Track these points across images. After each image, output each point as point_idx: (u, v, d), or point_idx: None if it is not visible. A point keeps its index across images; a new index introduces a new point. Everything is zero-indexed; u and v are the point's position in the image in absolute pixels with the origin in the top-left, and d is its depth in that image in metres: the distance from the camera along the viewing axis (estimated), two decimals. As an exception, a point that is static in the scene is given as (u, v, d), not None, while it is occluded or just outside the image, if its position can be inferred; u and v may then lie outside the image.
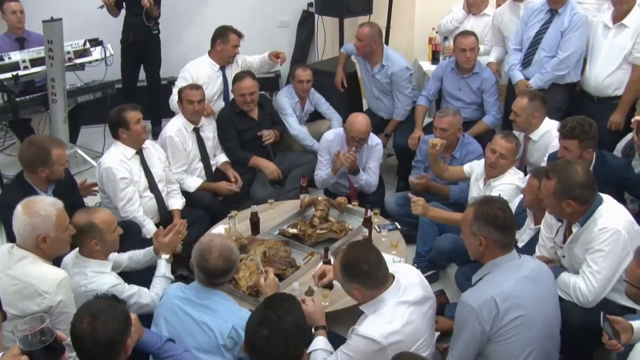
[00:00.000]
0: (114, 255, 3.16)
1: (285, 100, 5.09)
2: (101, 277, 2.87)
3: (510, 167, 3.73)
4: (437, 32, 5.67)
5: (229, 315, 2.59)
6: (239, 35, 4.88)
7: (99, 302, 2.13)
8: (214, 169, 4.68)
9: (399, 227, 3.84)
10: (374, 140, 4.44)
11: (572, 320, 2.82)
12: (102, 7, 5.38)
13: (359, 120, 4.25)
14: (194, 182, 4.46)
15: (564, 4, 4.44)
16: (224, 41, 4.83)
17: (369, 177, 4.43)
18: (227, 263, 2.65)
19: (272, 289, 2.87)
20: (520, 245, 3.43)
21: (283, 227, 3.83)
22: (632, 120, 3.45)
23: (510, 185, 3.69)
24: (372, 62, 5.02)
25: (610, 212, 2.88)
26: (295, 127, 5.05)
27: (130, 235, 3.51)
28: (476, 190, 3.86)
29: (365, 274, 2.40)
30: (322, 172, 4.47)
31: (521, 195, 3.49)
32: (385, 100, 5.10)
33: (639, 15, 4.25)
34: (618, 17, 4.29)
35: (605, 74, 4.34)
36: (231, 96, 4.90)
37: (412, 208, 3.67)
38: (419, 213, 3.68)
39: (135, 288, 2.94)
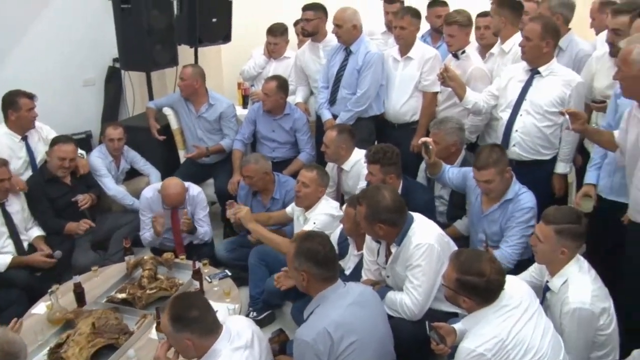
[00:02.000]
0: None
1: (98, 160, 4.87)
2: None
3: (316, 195, 3.86)
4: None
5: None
6: (30, 96, 4.50)
7: None
8: (26, 244, 4.27)
9: (229, 273, 3.81)
10: (195, 189, 4.39)
11: (404, 335, 2.96)
12: None
13: (172, 189, 4.24)
14: (3, 260, 4.02)
15: (351, 43, 4.72)
16: (15, 109, 4.46)
17: (202, 228, 4.39)
18: (6, 357, 2.38)
19: None
20: (347, 272, 3.56)
21: (111, 293, 3.63)
22: (419, 141, 3.73)
23: (324, 214, 3.82)
24: (196, 103, 5.03)
25: (422, 229, 3.09)
26: (112, 188, 4.84)
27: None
28: (299, 227, 3.94)
29: (195, 320, 2.34)
30: (147, 232, 4.34)
31: (342, 225, 3.61)
32: (210, 142, 5.08)
33: (422, 48, 4.63)
34: (403, 51, 4.63)
35: (401, 103, 4.65)
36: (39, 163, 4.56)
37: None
38: (240, 217, 3.76)
39: None
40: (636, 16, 3.29)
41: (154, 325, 3.16)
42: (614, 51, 3.55)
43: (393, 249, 3.13)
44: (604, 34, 3.90)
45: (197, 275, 3.57)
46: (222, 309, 3.19)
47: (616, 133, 3.13)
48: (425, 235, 3.06)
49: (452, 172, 3.87)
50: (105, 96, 6.32)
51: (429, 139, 3.70)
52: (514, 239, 3.44)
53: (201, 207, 4.44)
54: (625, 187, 3.17)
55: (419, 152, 3.93)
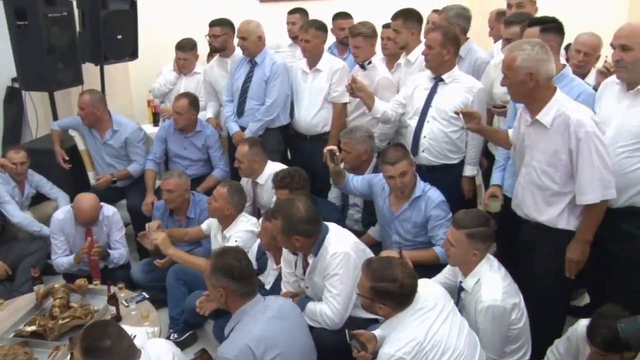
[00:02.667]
0: None
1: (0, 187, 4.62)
2: None
3: (222, 212, 3.83)
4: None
5: None
6: None
7: None
8: None
9: (146, 296, 3.71)
10: (109, 210, 4.27)
11: (326, 344, 2.98)
12: None
13: (85, 203, 4.12)
14: None
15: (256, 54, 4.76)
16: None
17: (118, 250, 4.27)
18: None
19: None
20: (268, 287, 3.55)
21: (19, 327, 3.43)
22: (325, 150, 3.78)
23: (244, 232, 3.80)
24: (100, 130, 4.88)
25: (337, 238, 3.13)
26: (17, 215, 4.60)
27: None
28: (217, 245, 3.90)
29: (108, 351, 2.23)
30: (62, 258, 4.16)
31: (259, 240, 3.60)
32: (120, 167, 4.96)
33: (329, 59, 4.71)
34: (311, 63, 4.69)
35: (312, 114, 4.71)
36: None
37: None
38: (158, 244, 3.72)
39: None
40: (525, 26, 3.45)
41: (68, 357, 3.03)
42: None
43: (310, 260, 3.16)
44: (501, 42, 4.10)
45: (112, 300, 3.46)
46: (140, 333, 3.10)
47: (510, 132, 3.30)
48: (341, 244, 3.10)
49: (357, 181, 3.92)
50: (5, 118, 6.02)
51: (334, 147, 3.75)
52: (443, 235, 3.46)
53: (117, 228, 4.32)
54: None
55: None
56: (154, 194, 4.78)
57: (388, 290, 2.58)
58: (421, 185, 3.65)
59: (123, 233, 4.38)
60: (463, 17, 4.49)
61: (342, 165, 4.00)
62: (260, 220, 3.57)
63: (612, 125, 3.04)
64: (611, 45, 3.02)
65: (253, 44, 4.72)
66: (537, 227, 3.05)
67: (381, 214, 3.80)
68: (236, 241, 3.69)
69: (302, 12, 5.65)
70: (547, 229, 2.99)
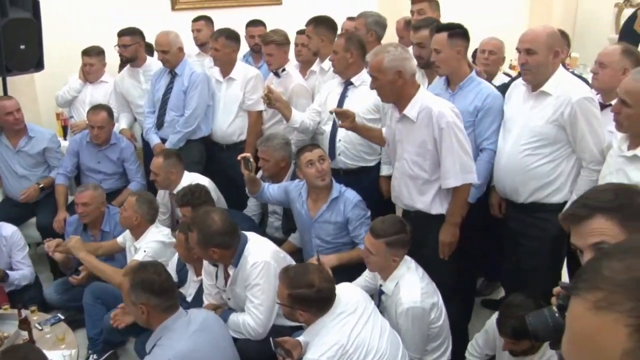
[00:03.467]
0: None
1: None
2: None
3: (131, 222, 3.79)
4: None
5: None
6: None
7: None
8: None
9: (62, 317, 3.58)
10: (7, 229, 4.08)
11: (251, 355, 2.99)
12: None
13: None
14: None
15: (177, 65, 4.70)
16: None
17: (20, 271, 4.07)
18: None
19: None
20: (189, 299, 3.50)
21: None
22: (239, 157, 3.77)
23: (154, 242, 3.74)
24: (12, 137, 4.65)
25: (257, 248, 3.14)
26: None
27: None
28: (131, 258, 3.81)
29: None
30: None
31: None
32: (34, 178, 4.73)
33: (243, 68, 4.72)
34: (224, 72, 4.69)
35: (227, 123, 4.69)
36: None
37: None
38: (70, 246, 3.64)
39: None
40: (434, 30, 3.58)
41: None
42: (420, 63, 3.87)
43: (231, 271, 3.14)
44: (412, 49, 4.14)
45: (24, 324, 3.29)
46: (56, 357, 3.00)
47: (384, 130, 3.45)
48: (261, 254, 3.10)
49: (272, 189, 3.92)
50: None
51: (247, 154, 3.74)
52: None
53: (18, 247, 4.10)
54: None
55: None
56: (65, 210, 4.59)
57: (306, 296, 2.62)
58: (337, 187, 3.70)
59: (25, 252, 4.17)
60: (380, 25, 4.60)
61: (260, 174, 3.99)
62: (176, 232, 3.52)
63: (516, 124, 3.22)
64: (517, 49, 3.17)
65: (174, 56, 4.67)
66: (417, 216, 3.22)
67: (300, 219, 3.82)
68: (145, 251, 3.63)
69: (206, 19, 5.61)
70: (426, 216, 3.18)
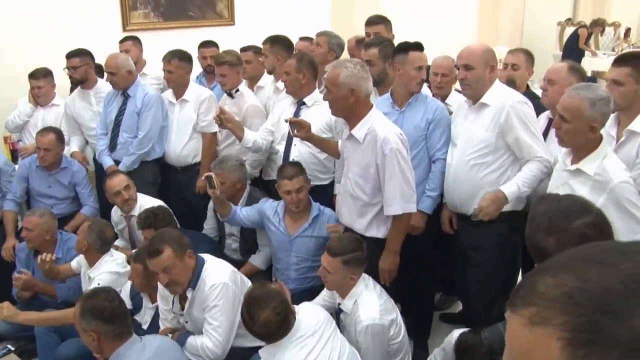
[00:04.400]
0: None
1: None
2: None
3: (82, 248, 3.71)
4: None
5: None
6: None
7: None
8: None
9: (12, 348, 3.50)
10: None
11: (210, 378, 2.89)
12: None
13: None
14: None
15: (128, 87, 4.64)
16: None
17: None
18: None
19: None
20: (145, 327, 3.44)
21: None
22: (202, 177, 3.76)
23: (108, 273, 3.67)
24: None
25: (214, 270, 3.11)
26: None
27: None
28: (85, 285, 3.74)
29: None
30: None
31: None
32: None
33: (196, 89, 4.71)
34: (177, 93, 4.66)
35: (181, 145, 4.65)
36: None
37: None
38: (4, 317, 3.43)
39: None
40: (385, 47, 3.71)
41: None
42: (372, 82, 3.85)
43: (188, 294, 3.10)
44: None
45: (-28, 358, 3.17)
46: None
47: (340, 142, 3.47)
48: (218, 275, 3.07)
49: (245, 211, 3.88)
50: None
51: (211, 173, 3.69)
52: None
53: None
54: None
55: (205, 193, 3.90)
56: (15, 236, 4.47)
57: (259, 333, 2.67)
58: (316, 205, 3.75)
59: None
60: (341, 47, 4.75)
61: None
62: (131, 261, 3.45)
63: (460, 138, 3.34)
64: (456, 66, 3.32)
65: (123, 79, 4.60)
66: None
67: (276, 238, 3.79)
68: (99, 284, 3.51)
69: (133, 39, 5.54)
70: (360, 237, 3.17)
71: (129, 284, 3.56)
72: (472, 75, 3.18)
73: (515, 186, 3.10)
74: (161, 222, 3.64)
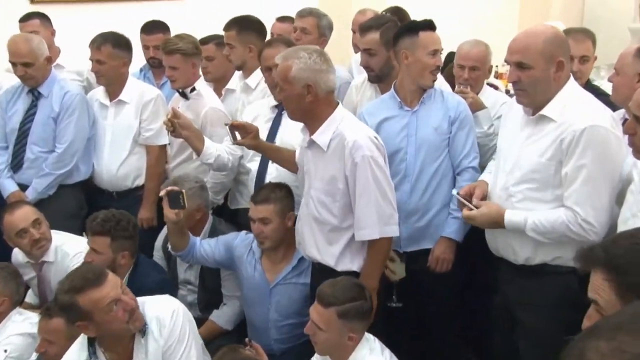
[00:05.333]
0: None
1: None
2: None
3: None
4: None
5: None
6: None
7: None
8: None
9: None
10: None
11: None
12: None
13: None
14: None
15: (41, 83, 3.86)
16: None
17: None
18: None
19: None
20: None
21: None
22: (162, 192, 3.15)
23: (17, 335, 3.18)
24: None
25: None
26: None
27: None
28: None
29: None
30: None
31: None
32: None
33: (138, 87, 3.99)
34: (112, 92, 3.95)
35: (117, 164, 3.94)
36: None
37: None
38: None
39: None
40: (388, 30, 3.22)
41: None
42: (371, 76, 3.48)
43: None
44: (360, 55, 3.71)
45: None
46: None
47: (297, 152, 3.16)
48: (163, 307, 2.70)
49: (208, 245, 3.35)
50: None
51: (175, 187, 3.13)
52: None
53: None
54: (426, 230, 3.13)
55: (152, 227, 3.65)
56: None
57: None
58: None
59: None
60: (331, 29, 4.20)
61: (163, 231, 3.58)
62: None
63: (509, 159, 2.76)
64: (506, 61, 2.76)
65: (40, 70, 3.84)
66: (322, 269, 2.91)
67: (250, 286, 3.33)
68: (5, 351, 3.13)
69: (41, 17, 4.65)
70: (331, 272, 2.84)
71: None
72: (529, 77, 2.57)
73: (522, 219, 2.61)
74: (122, 231, 3.21)
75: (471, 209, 2.75)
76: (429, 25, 3.13)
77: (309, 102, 2.76)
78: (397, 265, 3.17)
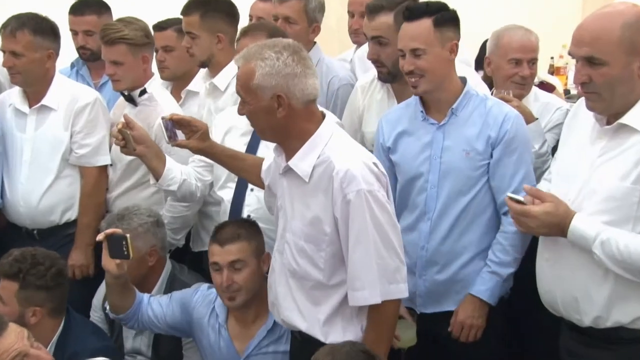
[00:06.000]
0: None
1: None
2: None
3: None
4: None
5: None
6: None
7: None
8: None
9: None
10: None
11: None
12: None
13: None
14: None
15: None
16: None
17: None
18: None
19: None
20: None
21: None
22: (98, 237, 2.67)
23: None
24: None
25: None
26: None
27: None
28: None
29: None
30: None
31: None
32: None
33: (69, 89, 3.38)
34: (32, 96, 3.31)
35: (40, 191, 3.30)
36: None
37: None
38: None
39: None
40: (401, 15, 2.67)
41: None
42: (382, 73, 2.98)
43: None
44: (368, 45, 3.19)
45: None
46: None
47: (265, 164, 2.67)
48: None
49: (157, 304, 2.85)
50: None
51: (117, 230, 2.62)
52: None
53: None
54: (450, 286, 2.66)
55: (88, 276, 3.14)
56: None
57: None
58: None
59: None
60: (322, 9, 3.62)
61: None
62: None
63: (577, 179, 2.35)
64: (569, 54, 2.38)
65: None
66: (303, 341, 2.47)
67: (215, 355, 2.86)
68: None
69: None
70: (317, 344, 2.36)
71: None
72: (603, 75, 2.20)
73: (593, 231, 2.19)
74: (40, 277, 2.67)
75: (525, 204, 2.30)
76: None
77: (281, 118, 2.26)
78: (405, 328, 2.64)
